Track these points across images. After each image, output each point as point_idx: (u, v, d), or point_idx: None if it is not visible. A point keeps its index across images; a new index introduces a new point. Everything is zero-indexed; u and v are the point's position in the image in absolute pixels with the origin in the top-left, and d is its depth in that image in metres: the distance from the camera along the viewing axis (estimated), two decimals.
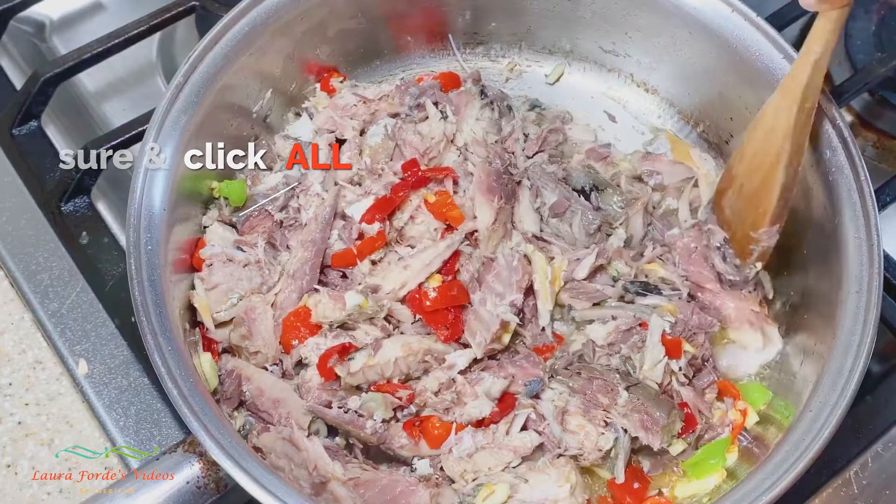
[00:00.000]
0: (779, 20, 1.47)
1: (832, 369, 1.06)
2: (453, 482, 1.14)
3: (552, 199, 1.30)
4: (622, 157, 1.40)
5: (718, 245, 1.27)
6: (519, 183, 1.32)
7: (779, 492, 0.98)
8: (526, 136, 1.39)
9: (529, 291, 1.24)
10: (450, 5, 1.46)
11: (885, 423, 1.21)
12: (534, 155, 1.38)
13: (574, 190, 1.32)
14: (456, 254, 1.25)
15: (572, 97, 1.49)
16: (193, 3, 1.49)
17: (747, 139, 1.21)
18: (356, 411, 1.14)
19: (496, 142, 1.36)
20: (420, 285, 1.23)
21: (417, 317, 1.22)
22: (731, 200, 1.25)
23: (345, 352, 1.16)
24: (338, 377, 1.16)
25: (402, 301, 1.23)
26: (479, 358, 1.19)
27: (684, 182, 1.37)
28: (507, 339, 1.20)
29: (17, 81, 1.50)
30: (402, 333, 1.22)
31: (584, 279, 1.26)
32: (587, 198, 1.32)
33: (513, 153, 1.37)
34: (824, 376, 1.06)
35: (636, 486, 1.14)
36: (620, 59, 1.47)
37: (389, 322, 1.23)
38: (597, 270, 1.27)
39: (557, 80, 1.51)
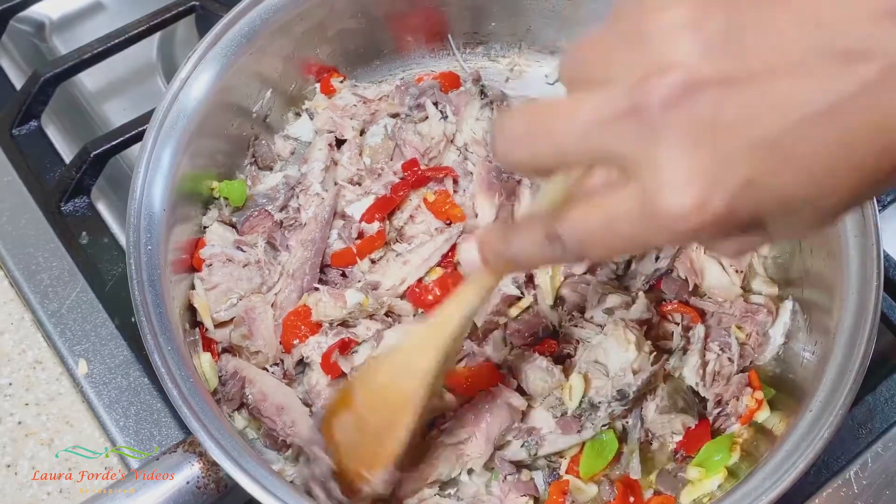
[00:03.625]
0: None
1: (832, 369, 1.06)
2: None
3: None
4: None
5: (322, 478, 1.03)
6: (519, 182, 1.32)
7: (779, 492, 0.97)
8: None
9: (531, 285, 1.24)
10: (450, 5, 1.46)
11: (885, 423, 1.21)
12: None
13: None
14: (454, 247, 1.25)
15: None
16: (193, 3, 1.49)
17: (376, 367, 1.06)
18: None
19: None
20: (420, 280, 1.23)
21: (419, 310, 1.23)
22: (346, 426, 1.05)
23: (346, 347, 1.16)
24: (344, 374, 1.16)
25: (402, 297, 1.23)
26: (478, 326, 1.20)
27: None
28: (514, 312, 1.21)
29: (17, 81, 1.50)
30: None
31: (584, 273, 1.25)
32: None
33: None
34: (824, 376, 1.06)
35: (632, 499, 1.14)
36: None
37: (390, 317, 1.23)
38: (597, 264, 1.26)
39: (557, 80, 1.51)
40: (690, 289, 1.27)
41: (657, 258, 1.26)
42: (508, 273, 1.14)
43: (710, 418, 1.19)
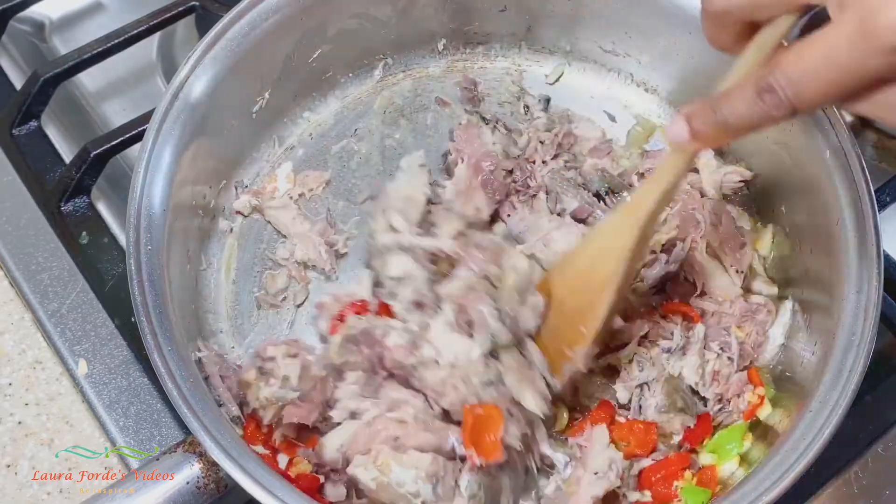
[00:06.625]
0: None
1: (832, 369, 1.06)
2: None
3: (573, 205, 1.30)
4: (621, 154, 1.41)
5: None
6: (535, 196, 1.32)
7: (779, 492, 0.97)
8: (542, 142, 1.39)
9: None
10: (449, 5, 1.46)
11: (885, 423, 1.21)
12: (551, 160, 1.37)
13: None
14: None
15: (572, 97, 1.49)
16: (193, 3, 1.49)
17: (573, 256, 1.14)
18: None
19: (518, 156, 1.36)
20: None
21: None
22: (548, 315, 1.14)
23: None
24: None
25: None
26: None
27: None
28: None
29: (17, 81, 1.50)
30: None
31: None
32: (602, 200, 1.32)
33: (533, 162, 1.36)
34: (824, 376, 1.06)
35: None
36: (620, 58, 1.47)
37: None
38: None
39: (557, 80, 1.51)
40: (698, 293, 1.27)
41: (666, 261, 1.26)
42: (717, 143, 1.20)
43: (712, 414, 1.19)
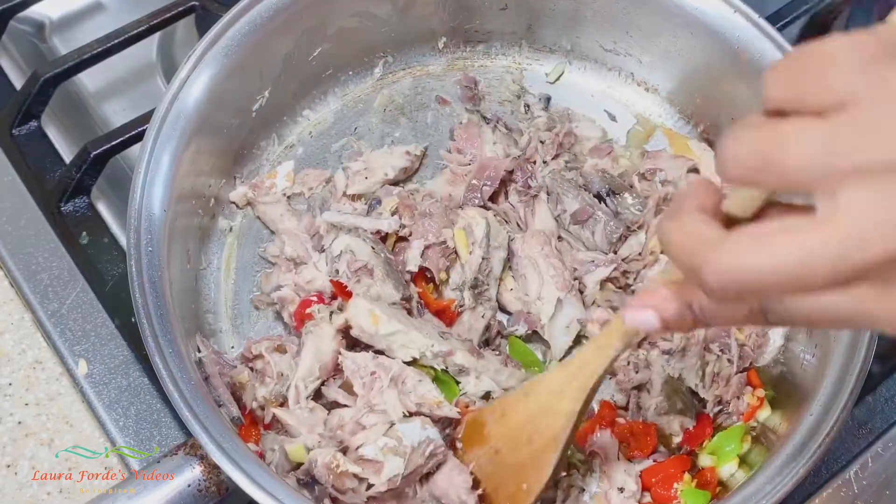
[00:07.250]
0: (779, 20, 1.48)
1: (832, 370, 1.06)
2: None
3: (574, 206, 1.30)
4: (621, 153, 1.41)
5: None
6: (536, 196, 1.32)
7: (779, 497, 0.98)
8: (542, 142, 1.39)
9: None
10: (450, 3, 1.46)
11: (885, 423, 1.21)
12: (552, 160, 1.37)
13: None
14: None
15: (573, 96, 1.49)
16: (193, 3, 1.49)
17: (510, 405, 1.06)
18: None
19: (519, 156, 1.36)
20: None
21: None
22: (483, 459, 1.07)
23: None
24: None
25: None
26: None
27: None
28: None
29: (17, 81, 1.50)
30: None
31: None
32: (602, 201, 1.32)
33: (534, 163, 1.36)
34: (824, 377, 1.06)
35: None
36: (621, 58, 1.47)
37: None
38: None
39: (558, 79, 1.51)
40: None
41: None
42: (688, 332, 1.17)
43: (711, 415, 1.19)
